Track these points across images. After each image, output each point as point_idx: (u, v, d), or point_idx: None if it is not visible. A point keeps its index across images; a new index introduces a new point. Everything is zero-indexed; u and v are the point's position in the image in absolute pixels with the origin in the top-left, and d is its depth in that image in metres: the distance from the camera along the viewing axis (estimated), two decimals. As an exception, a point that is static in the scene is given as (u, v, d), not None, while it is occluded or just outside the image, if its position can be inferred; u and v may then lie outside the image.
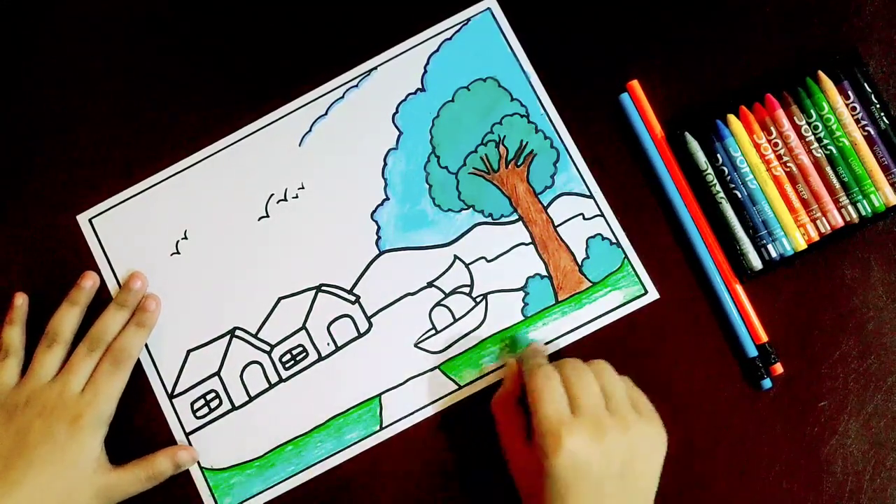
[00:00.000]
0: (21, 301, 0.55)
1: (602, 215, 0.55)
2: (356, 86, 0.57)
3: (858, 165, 0.52)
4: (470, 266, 0.55)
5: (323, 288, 0.55)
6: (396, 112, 0.56)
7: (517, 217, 0.55)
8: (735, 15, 0.56)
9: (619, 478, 0.44)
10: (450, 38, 0.57)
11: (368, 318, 0.55)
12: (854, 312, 0.53)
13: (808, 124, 0.53)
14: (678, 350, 0.53)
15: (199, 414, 0.55)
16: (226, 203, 0.56)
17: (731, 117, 0.54)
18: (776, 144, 0.53)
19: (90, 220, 0.57)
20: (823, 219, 0.52)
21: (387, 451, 0.54)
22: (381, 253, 0.55)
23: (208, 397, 0.55)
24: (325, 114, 0.57)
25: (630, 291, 0.54)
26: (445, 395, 0.54)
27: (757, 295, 0.53)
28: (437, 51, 0.57)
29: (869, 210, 0.52)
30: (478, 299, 0.55)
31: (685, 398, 0.53)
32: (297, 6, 0.58)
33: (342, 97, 0.57)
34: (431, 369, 0.54)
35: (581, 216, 0.55)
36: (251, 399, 0.55)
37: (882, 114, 0.53)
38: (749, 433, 0.53)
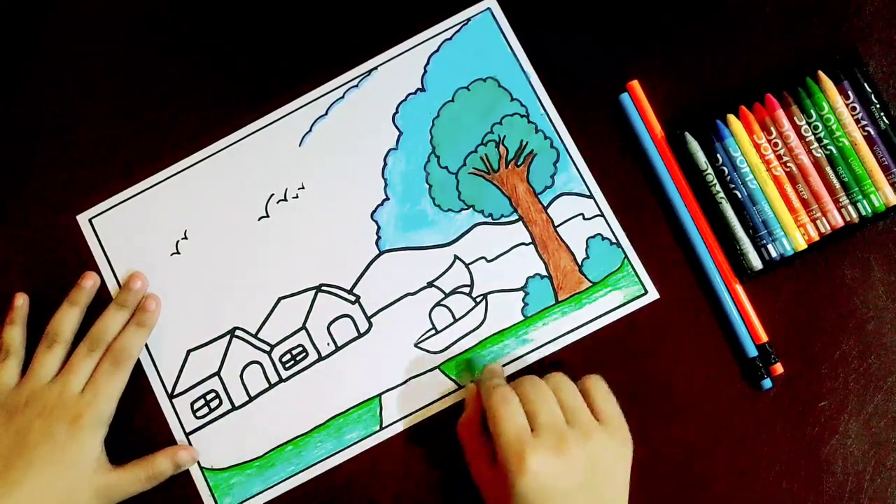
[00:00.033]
0: (21, 301, 0.55)
1: (602, 215, 0.55)
2: (356, 86, 0.57)
3: (858, 165, 0.52)
4: (470, 266, 0.55)
5: (323, 288, 0.55)
6: (396, 112, 0.56)
7: (517, 217, 0.55)
8: (735, 15, 0.56)
9: (586, 489, 0.44)
10: (450, 38, 0.57)
11: (368, 318, 0.55)
12: (854, 312, 0.53)
13: (808, 124, 0.53)
14: (678, 350, 0.53)
15: (199, 414, 0.55)
16: (226, 203, 0.56)
17: (731, 117, 0.54)
18: (776, 144, 0.53)
19: (90, 220, 0.57)
20: (823, 219, 0.52)
21: (387, 451, 0.54)
22: (381, 253, 0.55)
23: (208, 397, 0.55)
24: (325, 114, 0.57)
25: (630, 291, 0.54)
26: (445, 395, 0.54)
27: (757, 295, 0.53)
28: (437, 51, 0.57)
29: (869, 210, 0.52)
30: (478, 299, 0.55)
31: (685, 398, 0.53)
32: (297, 6, 0.58)
33: (342, 97, 0.57)
34: (431, 369, 0.54)
35: (581, 216, 0.55)
36: (251, 399, 0.55)
37: (882, 114, 0.53)
38: (749, 433, 0.53)
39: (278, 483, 0.54)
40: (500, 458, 0.45)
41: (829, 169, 0.53)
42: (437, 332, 0.54)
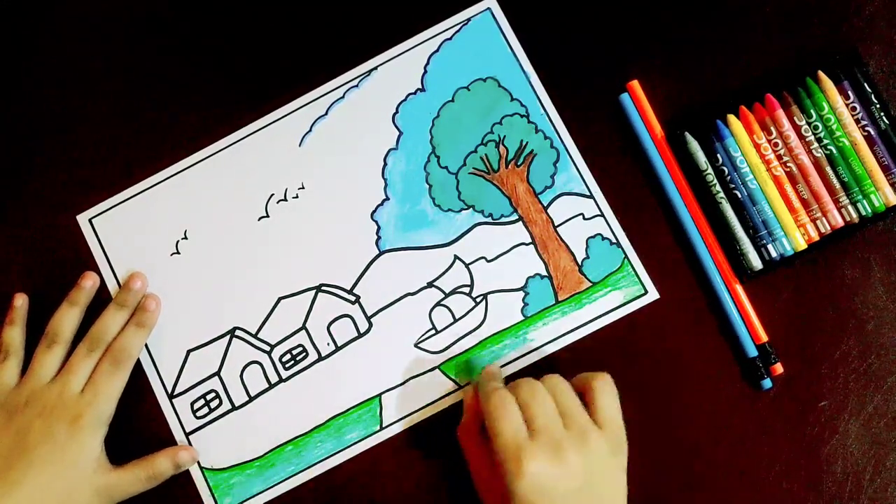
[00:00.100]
0: (21, 301, 0.55)
1: (602, 215, 0.55)
2: (356, 86, 0.57)
3: (858, 165, 0.52)
4: (470, 266, 0.55)
5: (323, 288, 0.55)
6: (396, 112, 0.56)
7: (517, 217, 0.55)
8: (735, 15, 0.56)
9: (585, 491, 0.44)
10: (450, 38, 0.57)
11: (368, 318, 0.55)
12: (854, 312, 0.53)
13: (808, 124, 0.53)
14: (678, 350, 0.53)
15: (199, 414, 0.55)
16: (226, 203, 0.56)
17: (731, 117, 0.54)
18: (776, 144, 0.53)
19: (90, 220, 0.57)
20: (823, 219, 0.52)
21: (387, 451, 0.54)
22: (381, 253, 0.55)
23: (208, 397, 0.55)
24: (325, 114, 0.57)
25: (630, 291, 0.54)
26: (445, 395, 0.54)
27: (757, 295, 0.53)
28: (437, 51, 0.57)
29: (869, 210, 0.52)
30: (478, 299, 0.55)
31: (685, 398, 0.53)
32: (297, 6, 0.58)
33: (342, 97, 0.57)
34: (431, 369, 0.54)
35: (581, 216, 0.55)
36: (251, 399, 0.55)
37: (882, 114, 0.53)
38: (749, 433, 0.53)
39: (278, 483, 0.54)
40: (497, 461, 0.45)
41: (829, 169, 0.53)
42: (437, 332, 0.54)
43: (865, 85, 0.53)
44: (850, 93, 0.53)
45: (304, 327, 0.55)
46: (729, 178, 0.53)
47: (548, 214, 0.55)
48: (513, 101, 0.56)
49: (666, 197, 0.54)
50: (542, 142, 0.56)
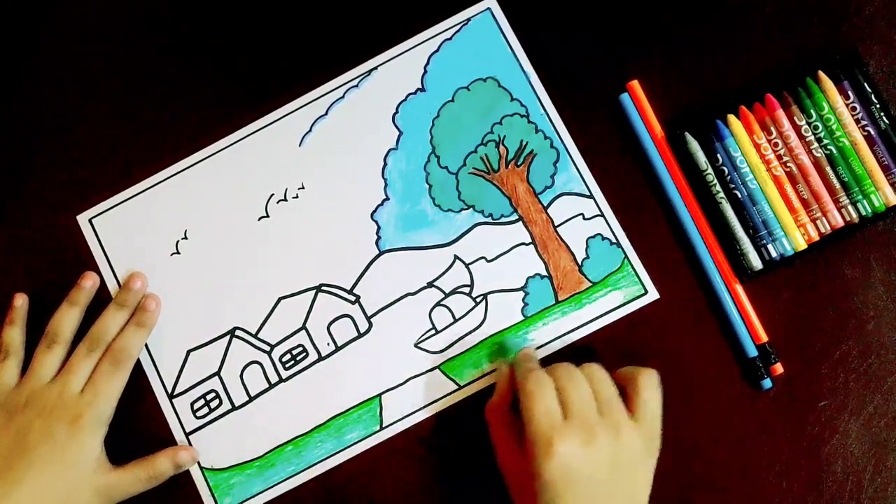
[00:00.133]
0: (21, 301, 0.55)
1: (602, 215, 0.55)
2: (356, 86, 0.57)
3: (858, 165, 0.52)
4: (470, 266, 0.55)
5: (323, 288, 0.55)
6: (396, 112, 0.56)
7: (517, 217, 0.55)
8: (735, 15, 0.56)
9: (610, 482, 0.44)
10: (450, 38, 0.57)
11: (368, 318, 0.55)
12: (854, 312, 0.53)
13: (808, 124, 0.53)
14: (678, 350, 0.53)
15: (199, 414, 0.55)
16: (226, 203, 0.56)
17: (731, 117, 0.54)
18: (776, 144, 0.53)
19: (90, 220, 0.57)
20: (823, 219, 0.52)
21: (387, 451, 0.54)
22: (381, 253, 0.55)
23: (208, 397, 0.55)
24: (325, 114, 0.57)
25: (630, 291, 0.54)
26: (445, 395, 0.54)
27: (757, 295, 0.53)
28: (437, 51, 0.57)
29: (869, 210, 0.52)
30: (478, 299, 0.55)
31: (685, 398, 0.53)
32: (297, 6, 0.58)
33: (342, 97, 0.57)
34: (431, 369, 0.54)
35: (581, 216, 0.55)
36: (251, 399, 0.55)
37: (882, 114, 0.53)
38: (749, 433, 0.53)
39: (278, 483, 0.54)
40: (527, 441, 0.45)
41: (829, 169, 0.53)
42: (437, 332, 0.54)
43: (865, 85, 0.53)
44: (850, 93, 0.53)
45: (304, 327, 0.55)
46: (729, 178, 0.53)
47: (548, 214, 0.55)
48: (513, 101, 0.56)
49: (666, 197, 0.54)
50: (542, 142, 0.56)
